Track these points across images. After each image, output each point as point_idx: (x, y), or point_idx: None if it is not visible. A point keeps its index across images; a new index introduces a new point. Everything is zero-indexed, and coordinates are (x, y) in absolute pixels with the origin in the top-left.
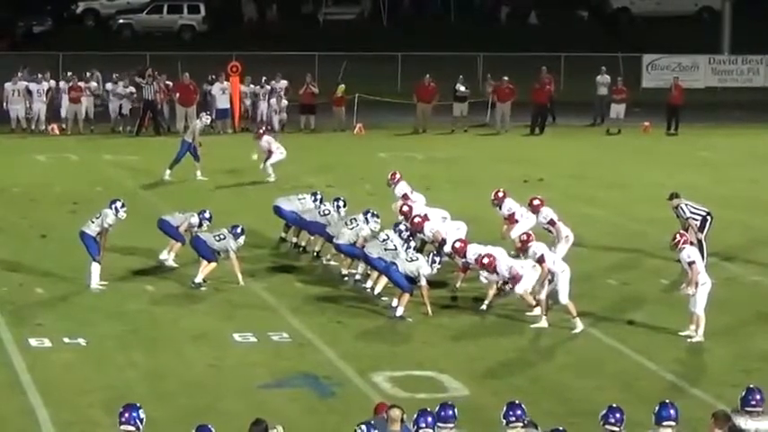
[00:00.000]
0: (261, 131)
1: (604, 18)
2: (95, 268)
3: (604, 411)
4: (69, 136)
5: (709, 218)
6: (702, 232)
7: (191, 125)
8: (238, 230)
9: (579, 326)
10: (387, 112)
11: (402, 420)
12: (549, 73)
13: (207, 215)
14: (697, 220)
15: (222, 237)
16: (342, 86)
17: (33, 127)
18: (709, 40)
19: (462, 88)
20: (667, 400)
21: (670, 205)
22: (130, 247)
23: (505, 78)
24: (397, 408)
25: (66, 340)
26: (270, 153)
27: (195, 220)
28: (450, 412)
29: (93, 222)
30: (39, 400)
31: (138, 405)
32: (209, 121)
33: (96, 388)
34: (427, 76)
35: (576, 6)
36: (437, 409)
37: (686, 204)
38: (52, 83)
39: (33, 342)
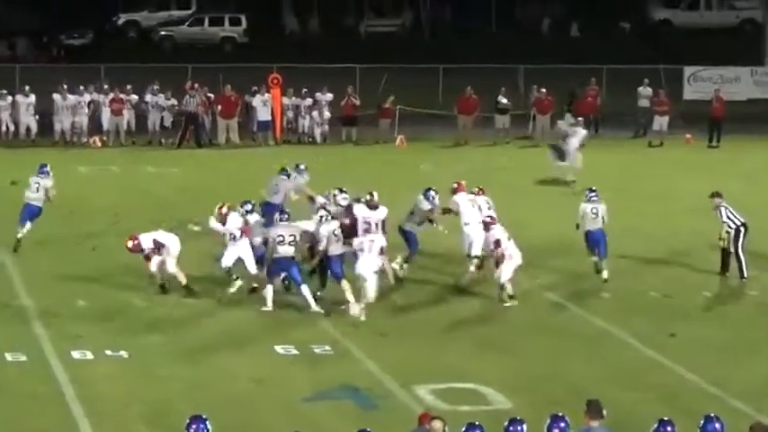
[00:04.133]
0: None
1: (646, 30)
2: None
3: (656, 425)
4: (111, 148)
5: (743, 229)
6: (737, 243)
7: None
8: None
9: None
10: (428, 124)
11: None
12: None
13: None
14: (731, 228)
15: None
16: (391, 98)
17: (75, 139)
18: (751, 51)
19: (504, 100)
20: (712, 414)
21: (711, 203)
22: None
23: (543, 90)
24: (438, 420)
25: (109, 353)
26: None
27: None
28: (520, 428)
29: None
30: (81, 412)
31: (205, 416)
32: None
33: (138, 401)
34: (468, 88)
35: (618, 18)
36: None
37: (725, 208)
38: (94, 95)
39: (76, 354)
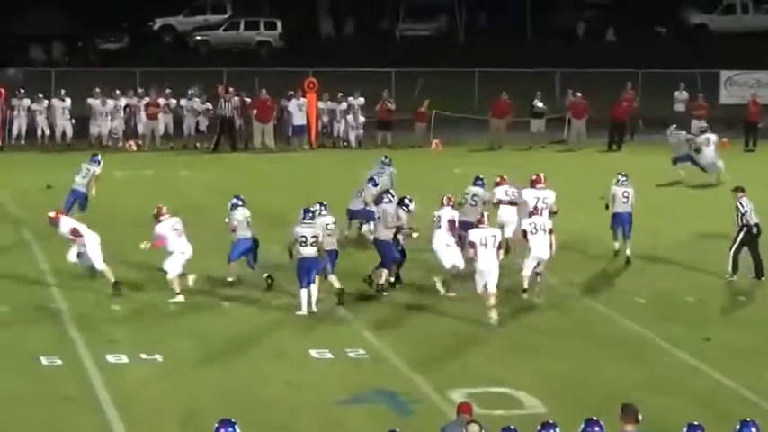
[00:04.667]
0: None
1: (682, 34)
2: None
3: (685, 429)
4: (146, 152)
5: (755, 229)
6: (735, 242)
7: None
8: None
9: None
10: (464, 128)
11: None
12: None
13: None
14: (740, 226)
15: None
16: (427, 101)
17: (111, 144)
18: None
19: (540, 104)
20: (748, 419)
21: (733, 197)
22: (206, 263)
23: (578, 94)
24: (475, 423)
25: (143, 356)
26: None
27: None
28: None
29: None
30: (115, 416)
31: (234, 420)
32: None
33: (173, 404)
34: (503, 92)
35: (654, 23)
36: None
37: (745, 203)
38: (132, 100)
39: (110, 358)
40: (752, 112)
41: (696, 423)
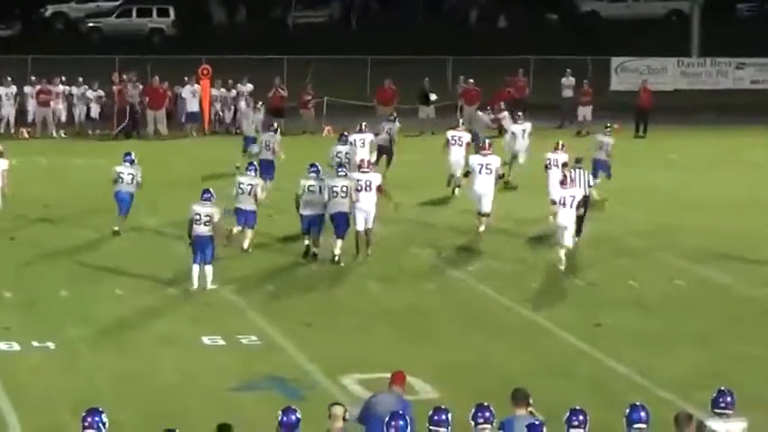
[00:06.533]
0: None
1: (574, 21)
2: None
3: (567, 414)
4: (40, 139)
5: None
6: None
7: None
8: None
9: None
10: (356, 115)
11: (344, 419)
12: (516, 75)
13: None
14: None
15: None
16: (309, 84)
17: (2, 131)
18: (679, 43)
19: (430, 91)
20: (638, 403)
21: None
22: (101, 250)
23: (471, 81)
24: (339, 405)
25: (35, 344)
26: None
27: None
28: (444, 417)
29: None
30: (8, 404)
31: (101, 409)
32: None
33: (65, 392)
34: (386, 79)
35: (546, 10)
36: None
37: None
38: (24, 87)
39: (2, 346)
40: (642, 98)
41: (578, 408)
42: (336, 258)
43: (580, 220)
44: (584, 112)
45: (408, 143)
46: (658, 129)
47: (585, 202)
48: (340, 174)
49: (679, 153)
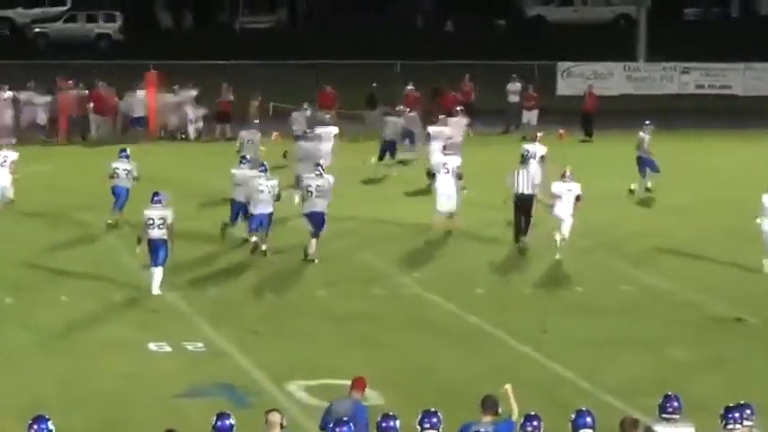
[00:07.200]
0: None
1: (520, 26)
2: None
3: (522, 420)
4: None
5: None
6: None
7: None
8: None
9: None
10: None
11: (282, 426)
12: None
13: None
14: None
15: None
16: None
17: None
18: (626, 47)
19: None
20: (584, 408)
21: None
22: (45, 257)
23: (410, 87)
24: (276, 411)
25: None
26: None
27: None
28: (392, 423)
29: None
30: None
31: (47, 417)
32: None
33: (10, 398)
34: (326, 85)
35: (494, 15)
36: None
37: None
38: None
39: None
40: (587, 102)
41: (533, 414)
42: (311, 257)
43: (527, 223)
44: (530, 116)
45: (355, 148)
46: (605, 133)
47: (530, 204)
48: (316, 173)
49: (625, 157)
